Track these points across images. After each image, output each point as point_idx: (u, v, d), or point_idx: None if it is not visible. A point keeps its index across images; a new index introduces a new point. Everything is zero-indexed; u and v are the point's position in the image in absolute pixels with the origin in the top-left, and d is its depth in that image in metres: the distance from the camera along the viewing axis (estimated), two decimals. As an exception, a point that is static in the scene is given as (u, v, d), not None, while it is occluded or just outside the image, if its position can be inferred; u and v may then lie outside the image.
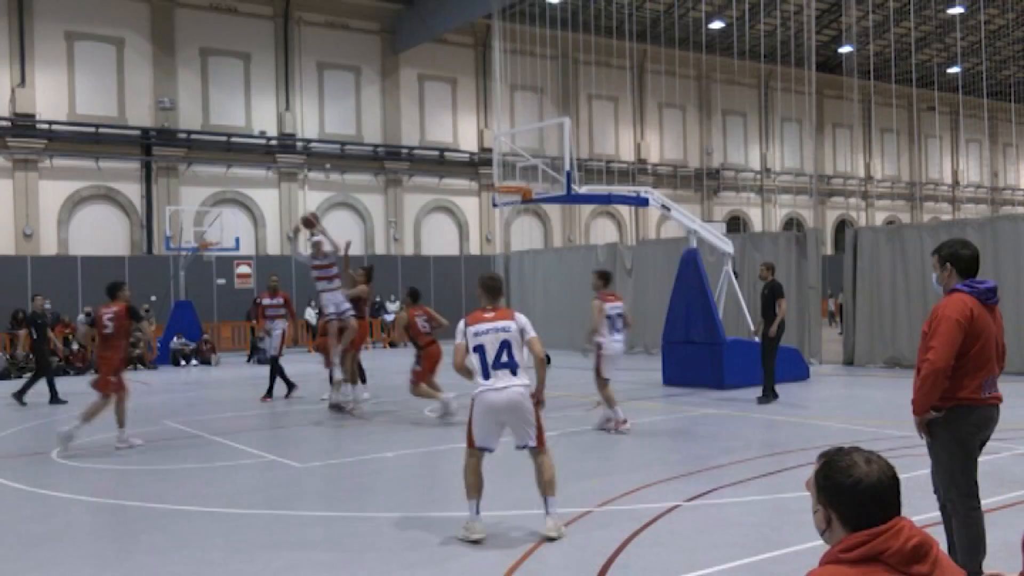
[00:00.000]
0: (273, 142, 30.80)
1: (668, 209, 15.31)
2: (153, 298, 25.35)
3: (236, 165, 30.08)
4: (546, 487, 6.24)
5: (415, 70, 33.95)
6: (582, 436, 10.60)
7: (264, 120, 30.78)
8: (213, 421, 12.78)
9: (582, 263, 24.69)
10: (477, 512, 6.22)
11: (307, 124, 31.65)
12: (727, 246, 16.33)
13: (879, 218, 47.85)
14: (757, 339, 13.86)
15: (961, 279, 4.80)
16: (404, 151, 33.36)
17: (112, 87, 28.29)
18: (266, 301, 15.47)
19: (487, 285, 6.48)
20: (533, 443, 6.30)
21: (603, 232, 37.93)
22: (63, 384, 18.80)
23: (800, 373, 15.72)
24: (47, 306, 23.37)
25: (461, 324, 6.36)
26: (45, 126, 26.94)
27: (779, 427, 10.97)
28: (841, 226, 44.56)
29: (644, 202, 15.48)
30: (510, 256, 28.80)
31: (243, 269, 28.11)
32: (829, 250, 42.00)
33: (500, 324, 6.24)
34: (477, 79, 35.52)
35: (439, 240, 34.38)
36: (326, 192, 31.99)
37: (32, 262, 25.33)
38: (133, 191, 28.53)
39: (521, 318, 6.34)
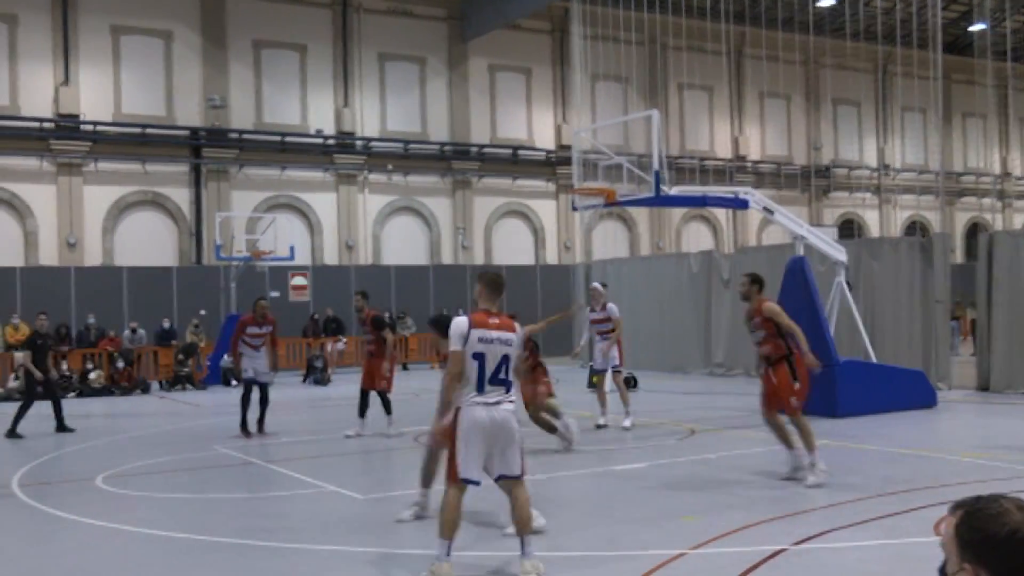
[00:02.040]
0: (331, 141, 31.38)
1: (771, 212, 15.12)
2: (203, 312, 26.00)
3: (291, 167, 30.72)
4: (524, 525, 6.23)
5: (485, 60, 34.23)
6: (673, 468, 10.51)
7: (321, 118, 31.38)
8: (267, 447, 13.04)
9: (673, 273, 24.49)
10: (448, 553, 6.14)
11: (367, 121, 32.16)
12: (839, 253, 16.04)
13: (1018, 221, 46.36)
14: None
15: None
16: (473, 150, 33.63)
17: (160, 84, 29.21)
18: (253, 330, 14.32)
19: (491, 281, 6.46)
20: (519, 471, 6.27)
21: (696, 238, 37.59)
22: (109, 404, 19.41)
23: (926, 400, 15.31)
24: (91, 321, 24.26)
25: (463, 326, 6.24)
26: (90, 127, 27.94)
27: (902, 461, 10.71)
28: (973, 230, 43.31)
29: (744, 204, 15.30)
30: (591, 265, 28.71)
31: (299, 280, 28.65)
32: (959, 258, 40.85)
33: (505, 336, 6.25)
34: (554, 69, 35.63)
35: (512, 248, 34.50)
36: (388, 196, 32.43)
37: (76, 273, 26.25)
38: (182, 196, 29.36)
39: (521, 332, 6.40)
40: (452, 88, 33.56)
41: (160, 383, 23.58)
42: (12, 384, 20.94)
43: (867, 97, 42.87)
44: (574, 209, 15.89)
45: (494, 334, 6.21)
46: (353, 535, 7.78)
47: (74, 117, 27.84)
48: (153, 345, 24.66)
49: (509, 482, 6.29)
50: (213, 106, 29.29)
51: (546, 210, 35.39)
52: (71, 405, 19.43)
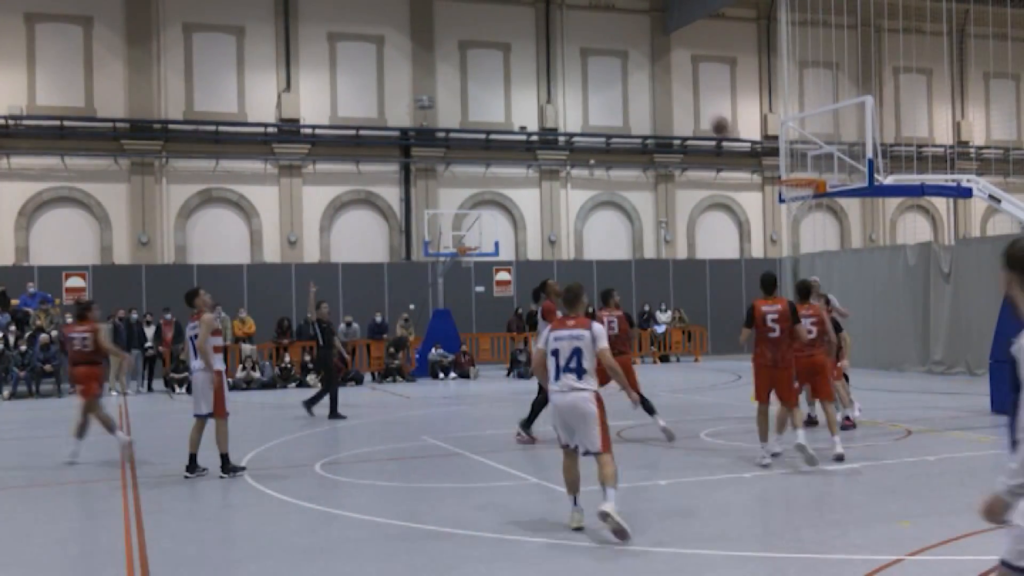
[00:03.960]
0: (534, 138, 31.82)
1: (998, 200, 14.21)
2: (412, 306, 26.99)
3: (495, 164, 31.38)
4: (606, 479, 7.32)
5: (688, 51, 33.78)
6: (891, 470, 10.06)
7: (524, 115, 31.88)
8: (473, 438, 13.38)
9: (887, 266, 23.45)
10: (575, 503, 7.65)
11: (569, 117, 32.41)
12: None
13: None
14: None
15: None
16: (676, 142, 33.27)
17: (372, 87, 30.52)
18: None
19: (566, 297, 7.87)
20: (596, 449, 7.43)
21: (913, 229, 35.74)
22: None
23: None
24: (310, 315, 25.59)
25: (546, 331, 7.81)
26: (309, 131, 29.55)
27: None
28: None
29: (966, 192, 14.48)
30: (799, 259, 27.86)
31: (503, 276, 29.25)
32: None
33: (576, 332, 7.56)
34: (760, 57, 34.76)
35: (716, 241, 33.94)
36: (590, 191, 32.56)
37: (296, 270, 27.84)
38: (392, 195, 30.58)
39: (597, 328, 7.57)
40: (654, 81, 33.32)
41: (372, 375, 24.62)
42: (239, 375, 22.44)
43: (1109, 73, 39.40)
44: (781, 201, 15.48)
45: (566, 332, 7.58)
46: (556, 527, 7.87)
47: (294, 122, 29.51)
48: (366, 338, 25.76)
49: (594, 457, 7.45)
50: (421, 107, 30.31)
51: (751, 202, 34.59)
52: (290, 394, 20.66)
